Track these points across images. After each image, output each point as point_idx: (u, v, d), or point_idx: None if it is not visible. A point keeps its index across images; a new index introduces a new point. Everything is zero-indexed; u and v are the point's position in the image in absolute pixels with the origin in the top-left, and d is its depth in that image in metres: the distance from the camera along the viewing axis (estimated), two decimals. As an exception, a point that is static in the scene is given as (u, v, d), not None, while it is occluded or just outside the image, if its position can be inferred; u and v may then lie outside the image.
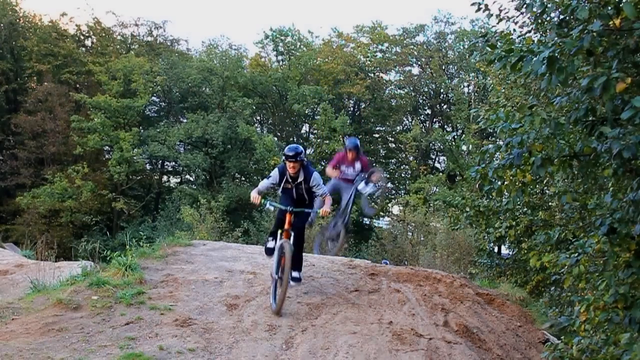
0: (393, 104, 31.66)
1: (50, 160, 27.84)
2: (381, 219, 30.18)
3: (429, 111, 33.51)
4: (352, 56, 32.14)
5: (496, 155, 4.41)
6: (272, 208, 6.73)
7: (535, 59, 3.51)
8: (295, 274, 6.78)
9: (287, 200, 6.77)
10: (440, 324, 6.87)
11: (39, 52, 29.13)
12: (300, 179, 6.66)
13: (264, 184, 6.83)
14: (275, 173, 6.83)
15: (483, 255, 12.09)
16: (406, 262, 17.62)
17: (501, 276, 10.94)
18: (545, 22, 4.82)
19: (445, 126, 32.10)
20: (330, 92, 29.51)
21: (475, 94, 27.52)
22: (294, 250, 6.54)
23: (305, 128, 32.79)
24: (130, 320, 6.03)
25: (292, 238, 6.53)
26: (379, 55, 32.47)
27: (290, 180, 6.68)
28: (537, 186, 8.05)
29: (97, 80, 28.71)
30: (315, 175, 6.69)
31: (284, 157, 6.62)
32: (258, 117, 33.05)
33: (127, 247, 7.73)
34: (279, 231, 6.65)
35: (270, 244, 6.93)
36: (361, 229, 28.22)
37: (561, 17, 3.92)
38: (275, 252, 6.57)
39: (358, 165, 8.43)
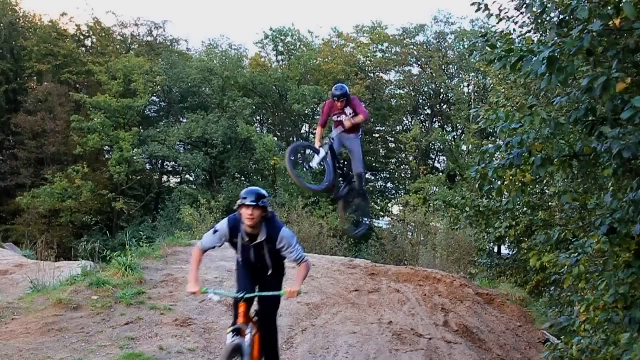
0: (393, 104, 31.64)
1: (50, 160, 27.81)
2: (381, 219, 30.19)
3: (429, 111, 33.49)
4: (352, 56, 32.11)
5: (496, 155, 4.41)
6: (216, 298, 4.75)
7: (535, 59, 3.50)
8: None
9: (243, 266, 4.71)
10: (440, 324, 6.88)
11: (39, 52, 29.10)
12: (261, 238, 4.51)
13: (207, 240, 4.68)
14: (223, 227, 4.63)
15: (483, 255, 12.10)
16: (406, 262, 17.61)
17: (501, 276, 10.95)
18: (545, 22, 4.82)
19: (445, 126, 32.08)
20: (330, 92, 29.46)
21: (475, 94, 27.53)
22: (262, 350, 4.60)
23: (305, 128, 32.77)
24: (130, 320, 6.04)
25: (248, 337, 4.46)
26: (379, 55, 32.45)
27: (246, 239, 4.56)
28: (537, 186, 8.05)
29: (97, 80, 28.68)
30: (285, 233, 4.55)
31: (238, 204, 4.47)
32: (258, 117, 33.02)
33: (127, 247, 7.75)
34: (234, 328, 4.48)
35: (231, 340, 4.54)
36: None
37: (561, 17, 3.91)
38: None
39: (349, 111, 7.64)
